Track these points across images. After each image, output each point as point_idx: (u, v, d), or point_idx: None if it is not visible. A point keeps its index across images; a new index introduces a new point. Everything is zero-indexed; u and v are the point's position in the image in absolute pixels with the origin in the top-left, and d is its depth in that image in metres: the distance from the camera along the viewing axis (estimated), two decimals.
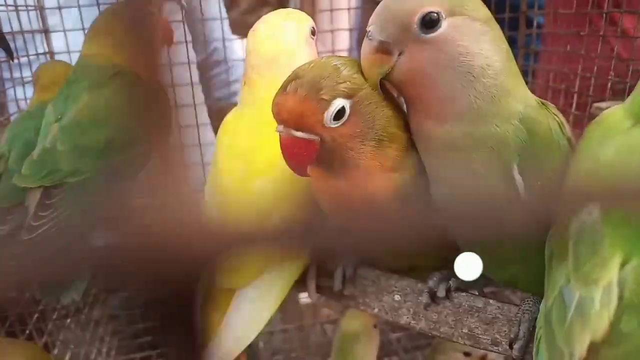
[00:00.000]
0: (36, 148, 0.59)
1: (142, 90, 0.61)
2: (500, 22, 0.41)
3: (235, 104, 0.59)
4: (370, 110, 0.42)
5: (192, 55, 1.06)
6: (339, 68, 0.42)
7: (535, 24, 1.05)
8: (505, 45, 0.42)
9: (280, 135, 0.43)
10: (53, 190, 0.58)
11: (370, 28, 0.41)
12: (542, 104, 0.43)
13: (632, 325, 0.33)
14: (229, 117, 0.57)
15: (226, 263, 0.50)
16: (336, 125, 0.42)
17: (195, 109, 0.90)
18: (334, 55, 0.45)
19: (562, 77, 0.99)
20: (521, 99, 0.42)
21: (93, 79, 0.62)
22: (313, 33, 0.55)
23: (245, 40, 1.07)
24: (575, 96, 0.87)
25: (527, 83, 0.41)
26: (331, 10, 0.98)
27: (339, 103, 0.41)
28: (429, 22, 0.39)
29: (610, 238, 0.34)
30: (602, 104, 0.84)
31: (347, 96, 0.41)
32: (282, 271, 0.51)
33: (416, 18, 0.39)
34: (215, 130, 1.04)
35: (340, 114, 0.41)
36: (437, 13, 0.39)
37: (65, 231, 0.58)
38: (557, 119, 0.42)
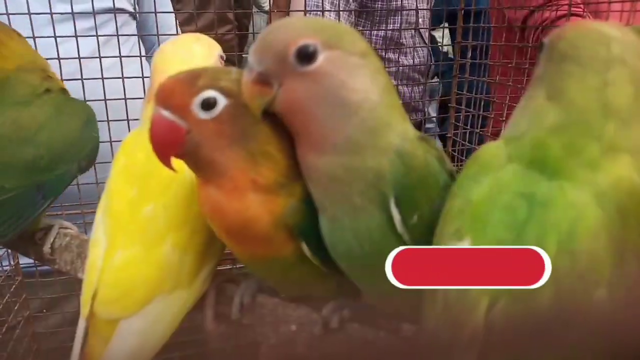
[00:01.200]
0: None
1: (70, 109, 0.62)
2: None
3: None
4: (247, 121, 0.42)
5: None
6: (231, 72, 0.43)
7: (469, 54, 1.08)
8: (384, 78, 0.42)
9: (152, 117, 0.42)
10: None
11: (249, 58, 0.40)
12: (422, 138, 0.43)
13: None
14: (129, 137, 0.55)
15: (107, 292, 0.48)
16: (204, 117, 0.41)
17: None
18: None
19: (494, 106, 1.02)
20: (399, 132, 0.42)
21: (18, 95, 0.60)
22: (222, 59, 0.55)
23: None
24: (504, 124, 0.89)
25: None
26: None
27: (211, 93, 0.41)
28: (305, 56, 0.39)
29: None
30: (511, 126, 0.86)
31: (225, 93, 0.41)
32: (171, 300, 0.49)
33: (292, 51, 0.38)
34: None
35: (210, 105, 0.41)
36: (313, 46, 0.39)
37: None
38: (436, 152, 0.43)
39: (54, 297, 0.98)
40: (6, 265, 0.97)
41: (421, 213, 0.41)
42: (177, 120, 0.41)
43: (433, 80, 1.18)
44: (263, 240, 0.44)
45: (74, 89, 0.76)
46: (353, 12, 1.18)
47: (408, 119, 0.44)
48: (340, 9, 1.14)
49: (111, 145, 0.88)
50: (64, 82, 0.73)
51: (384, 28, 1.17)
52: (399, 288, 0.42)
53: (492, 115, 0.99)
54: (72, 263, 0.63)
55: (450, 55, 1.29)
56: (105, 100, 0.83)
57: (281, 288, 0.53)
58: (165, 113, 0.41)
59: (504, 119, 0.90)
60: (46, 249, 0.63)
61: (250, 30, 1.79)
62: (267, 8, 1.94)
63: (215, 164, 0.42)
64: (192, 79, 0.41)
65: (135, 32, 1.01)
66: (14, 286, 0.96)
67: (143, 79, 0.87)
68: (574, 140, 0.36)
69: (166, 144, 0.42)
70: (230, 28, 1.70)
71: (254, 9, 1.87)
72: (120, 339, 0.47)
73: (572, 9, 1.00)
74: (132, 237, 0.49)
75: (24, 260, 0.95)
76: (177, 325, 0.50)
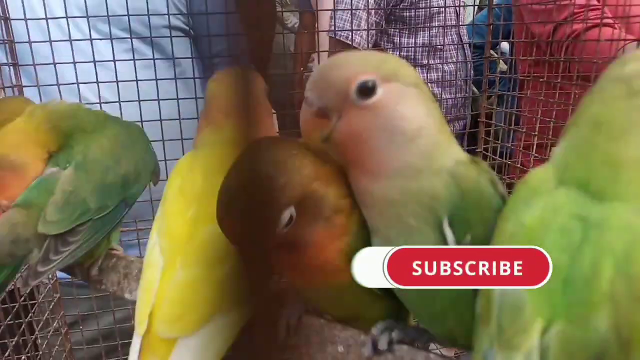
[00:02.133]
0: (55, 194, 0.59)
1: (132, 129, 0.69)
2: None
3: None
4: (315, 201, 0.43)
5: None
6: (273, 177, 0.42)
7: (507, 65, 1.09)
8: (435, 104, 0.44)
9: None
10: (78, 227, 0.59)
11: (308, 94, 0.43)
12: (473, 160, 0.44)
13: None
14: (184, 159, 0.57)
15: (167, 311, 0.49)
16: (286, 230, 0.42)
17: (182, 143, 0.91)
18: (268, 140, 0.45)
19: (524, 119, 1.02)
20: (451, 155, 0.43)
21: (89, 121, 0.66)
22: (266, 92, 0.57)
23: None
24: (535, 139, 0.89)
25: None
26: None
27: (285, 216, 0.41)
28: (365, 90, 0.41)
29: (532, 303, 0.34)
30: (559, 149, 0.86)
31: (289, 204, 0.42)
32: (227, 319, 0.50)
33: (353, 86, 0.41)
34: None
35: (288, 221, 0.42)
36: (372, 82, 0.41)
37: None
38: (488, 175, 0.44)
39: (87, 311, 1.00)
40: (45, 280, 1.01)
41: (474, 233, 0.42)
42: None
43: (466, 95, 1.18)
44: (325, 270, 0.46)
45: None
46: (379, 25, 1.20)
47: (456, 143, 0.45)
48: (362, 27, 1.17)
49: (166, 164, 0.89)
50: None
51: (407, 46, 1.19)
52: (452, 309, 0.43)
53: (524, 129, 0.99)
54: (118, 284, 0.65)
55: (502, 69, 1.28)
56: (160, 120, 0.86)
57: (331, 310, 0.53)
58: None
59: (536, 133, 0.90)
60: (94, 271, 0.65)
61: (275, 48, 1.83)
62: (290, 26, 1.98)
63: (301, 244, 0.44)
64: (260, 215, 0.39)
65: (190, 50, 1.03)
66: (52, 303, 0.98)
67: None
68: (608, 159, 0.36)
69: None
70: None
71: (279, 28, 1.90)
72: (179, 356, 0.48)
73: (598, 21, 1.00)
74: (192, 257, 0.50)
75: (60, 275, 0.98)
76: (229, 345, 0.51)
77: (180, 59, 0.94)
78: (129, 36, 0.88)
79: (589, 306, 0.33)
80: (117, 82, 0.85)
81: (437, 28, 1.19)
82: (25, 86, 0.90)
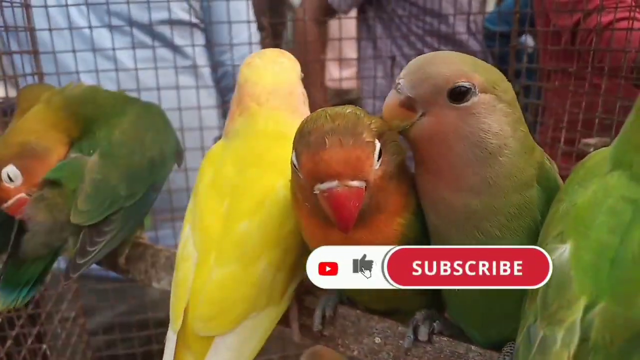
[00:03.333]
0: (84, 183, 0.57)
1: (152, 109, 0.66)
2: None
3: None
4: (393, 149, 0.42)
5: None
6: (355, 113, 0.41)
7: (525, 58, 1.07)
8: (524, 128, 0.43)
9: (326, 193, 0.39)
10: (111, 217, 0.58)
11: (400, 81, 0.41)
12: (548, 159, 0.45)
13: None
14: (215, 149, 0.55)
15: (205, 310, 0.48)
16: (377, 167, 0.41)
17: (202, 132, 0.91)
18: (333, 106, 0.43)
19: (550, 111, 1.00)
20: (534, 164, 0.43)
21: (108, 104, 0.63)
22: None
23: None
24: (564, 131, 0.87)
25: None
26: None
27: (377, 144, 0.40)
28: (460, 94, 0.40)
29: (578, 280, 0.34)
30: (590, 140, 0.85)
31: (379, 136, 0.41)
32: (263, 316, 0.49)
33: (450, 86, 0.40)
34: None
35: (379, 154, 0.41)
36: (470, 86, 0.40)
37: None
38: (554, 167, 0.45)
39: (101, 300, 1.00)
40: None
41: None
42: (362, 183, 0.40)
43: None
44: None
45: None
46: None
47: (540, 151, 0.45)
48: None
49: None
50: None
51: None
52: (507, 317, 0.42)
53: (551, 122, 0.97)
54: (145, 272, 0.64)
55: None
56: (180, 110, 0.85)
57: (370, 302, 0.52)
58: (354, 183, 0.39)
59: (563, 125, 0.88)
60: (121, 260, 0.64)
61: (285, 36, 1.81)
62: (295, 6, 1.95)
63: (377, 206, 0.42)
64: (360, 139, 0.39)
65: (201, 42, 1.02)
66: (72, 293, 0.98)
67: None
68: None
69: (353, 213, 0.40)
70: (264, 34, 1.71)
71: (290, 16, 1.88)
72: (215, 355, 0.47)
73: (627, 12, 0.98)
74: (228, 254, 0.48)
75: None
76: (265, 340, 0.50)
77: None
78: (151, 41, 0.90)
79: (635, 285, 0.33)
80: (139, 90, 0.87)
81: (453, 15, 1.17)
82: (45, 74, 0.89)
